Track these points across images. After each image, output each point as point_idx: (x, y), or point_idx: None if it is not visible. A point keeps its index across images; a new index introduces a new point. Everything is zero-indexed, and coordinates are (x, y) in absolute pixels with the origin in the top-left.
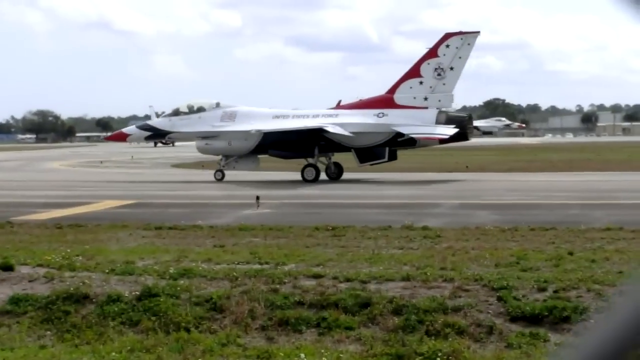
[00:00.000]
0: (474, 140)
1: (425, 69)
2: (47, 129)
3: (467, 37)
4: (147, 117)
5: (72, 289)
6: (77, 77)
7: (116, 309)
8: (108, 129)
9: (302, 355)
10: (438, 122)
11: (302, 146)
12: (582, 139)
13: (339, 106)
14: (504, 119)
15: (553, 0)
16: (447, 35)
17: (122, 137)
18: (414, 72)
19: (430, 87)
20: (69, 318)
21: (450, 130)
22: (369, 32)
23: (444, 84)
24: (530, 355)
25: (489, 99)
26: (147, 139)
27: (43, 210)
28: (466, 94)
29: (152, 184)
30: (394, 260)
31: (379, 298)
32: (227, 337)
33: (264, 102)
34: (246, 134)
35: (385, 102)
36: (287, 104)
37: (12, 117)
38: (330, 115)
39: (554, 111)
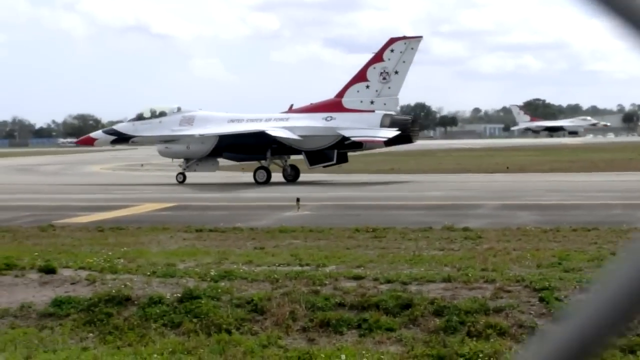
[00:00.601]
0: (515, 141)
1: (372, 73)
2: (88, 132)
3: (411, 41)
4: None
5: (114, 291)
6: (116, 80)
7: (158, 311)
8: None
9: (343, 356)
10: (383, 125)
11: (255, 149)
12: (624, 138)
13: (291, 110)
14: (589, 117)
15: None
16: (392, 40)
17: (90, 142)
18: (360, 76)
19: (376, 90)
20: (111, 320)
21: (390, 133)
22: (406, 33)
23: (389, 88)
24: None
25: (529, 99)
26: (113, 142)
27: (84, 213)
28: (506, 94)
29: (192, 186)
30: (435, 262)
31: (420, 299)
32: (268, 339)
33: (298, 106)
34: (203, 137)
35: (334, 106)
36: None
37: (53, 121)
38: (281, 119)
39: (594, 111)
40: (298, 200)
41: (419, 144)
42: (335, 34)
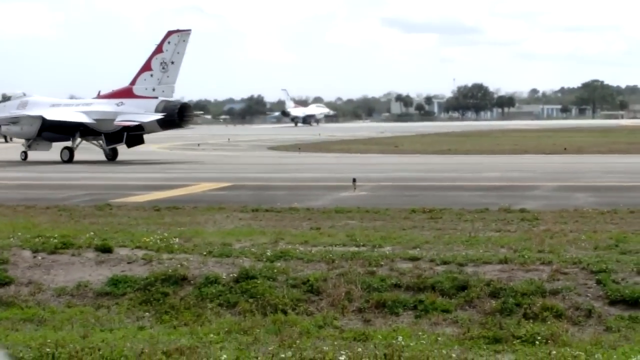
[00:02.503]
0: (572, 122)
1: (154, 63)
2: None
3: (182, 34)
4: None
5: (170, 270)
6: None
7: (214, 290)
8: (205, 112)
9: (400, 337)
10: (157, 110)
11: (66, 131)
12: None
13: (99, 96)
14: None
15: None
16: (169, 33)
17: None
18: (147, 66)
19: (158, 79)
20: (167, 299)
21: (148, 117)
22: (463, 12)
23: (167, 77)
24: (629, 338)
25: (587, 80)
26: None
27: (141, 192)
28: (564, 76)
29: (249, 166)
30: (491, 243)
31: (476, 281)
32: (323, 319)
33: (354, 86)
34: (31, 119)
35: (127, 92)
36: (381, 87)
37: None
38: (86, 104)
39: None
40: (354, 180)
41: (476, 124)
42: (392, 14)
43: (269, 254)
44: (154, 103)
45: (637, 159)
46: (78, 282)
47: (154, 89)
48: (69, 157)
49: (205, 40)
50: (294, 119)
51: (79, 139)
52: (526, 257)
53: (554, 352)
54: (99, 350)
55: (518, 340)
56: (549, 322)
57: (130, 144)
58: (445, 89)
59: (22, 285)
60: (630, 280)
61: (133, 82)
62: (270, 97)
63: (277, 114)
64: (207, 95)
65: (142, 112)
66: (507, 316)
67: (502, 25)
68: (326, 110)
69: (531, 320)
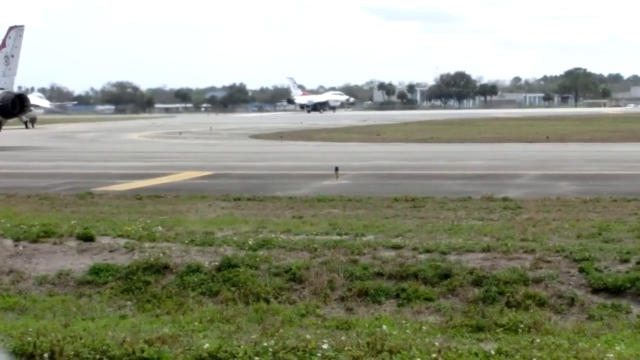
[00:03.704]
0: (555, 110)
1: (0, 57)
2: (126, 100)
3: (19, 30)
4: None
5: (152, 259)
6: (155, 48)
7: (196, 279)
8: (187, 100)
9: (383, 326)
10: None
11: None
12: None
13: None
14: None
15: None
16: (10, 29)
17: None
18: None
19: (2, 72)
20: (149, 288)
21: None
22: (445, 0)
23: (9, 69)
24: (612, 327)
25: (569, 68)
26: None
27: (122, 181)
28: (546, 64)
29: (231, 154)
30: (474, 232)
31: (459, 269)
32: (306, 308)
33: (337, 75)
34: None
35: None
36: (363, 75)
37: (92, 89)
38: None
39: (635, 80)
40: (337, 169)
41: (458, 112)
42: (374, 1)
43: (251, 242)
44: None
45: (619, 147)
46: (60, 271)
47: None
48: None
49: (186, 28)
50: (303, 107)
51: None
52: (509, 245)
53: (537, 340)
54: (81, 339)
55: (501, 329)
56: (531, 311)
57: None
58: (428, 77)
59: (3, 274)
60: (613, 268)
61: None
62: (252, 85)
63: (280, 103)
64: (189, 84)
65: None
66: (490, 304)
67: (484, 12)
68: (344, 98)
69: (514, 309)
